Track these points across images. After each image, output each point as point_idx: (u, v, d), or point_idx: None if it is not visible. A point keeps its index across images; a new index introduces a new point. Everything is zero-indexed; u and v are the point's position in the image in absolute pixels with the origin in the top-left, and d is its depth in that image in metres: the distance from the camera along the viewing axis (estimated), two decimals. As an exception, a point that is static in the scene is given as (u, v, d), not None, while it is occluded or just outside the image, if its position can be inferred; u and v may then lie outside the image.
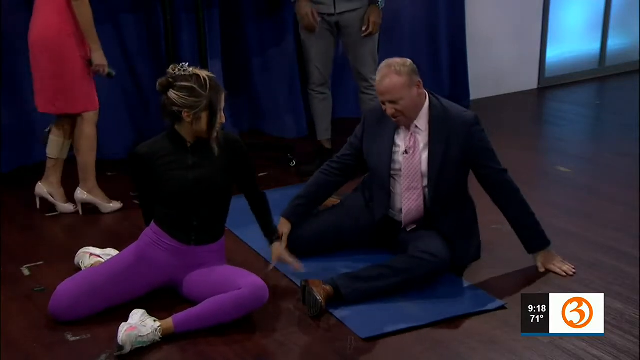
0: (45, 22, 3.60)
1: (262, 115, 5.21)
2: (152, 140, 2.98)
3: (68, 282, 2.91)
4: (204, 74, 2.83)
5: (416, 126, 3.14)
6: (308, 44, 4.33)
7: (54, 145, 3.85)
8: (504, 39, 5.90)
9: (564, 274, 3.19)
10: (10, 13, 4.22)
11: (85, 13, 3.54)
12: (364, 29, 4.22)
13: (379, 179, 3.25)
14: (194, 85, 2.79)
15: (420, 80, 3.11)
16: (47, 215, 3.91)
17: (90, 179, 3.86)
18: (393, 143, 3.19)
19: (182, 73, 2.82)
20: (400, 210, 3.22)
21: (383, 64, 3.12)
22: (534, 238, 3.22)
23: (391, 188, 3.25)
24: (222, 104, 2.87)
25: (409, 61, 3.11)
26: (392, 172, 3.22)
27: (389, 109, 3.09)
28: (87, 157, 3.82)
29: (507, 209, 3.20)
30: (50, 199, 3.91)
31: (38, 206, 3.97)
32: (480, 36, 5.70)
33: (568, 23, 6.37)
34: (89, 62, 3.64)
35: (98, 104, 3.78)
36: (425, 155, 3.14)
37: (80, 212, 3.92)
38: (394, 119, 3.13)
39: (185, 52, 4.68)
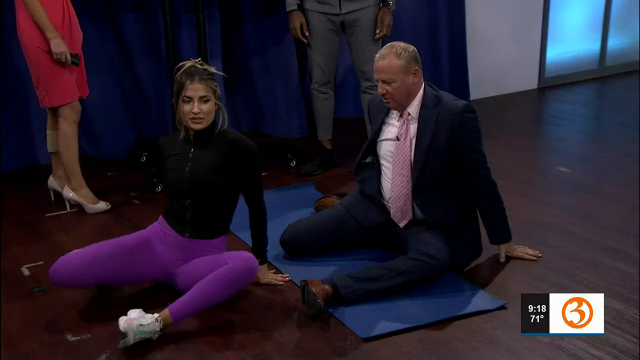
0: (17, 20, 3.63)
1: (262, 115, 5.21)
2: (174, 133, 3.08)
3: (74, 252, 2.96)
4: (189, 62, 2.91)
5: (409, 114, 3.18)
6: (312, 44, 4.34)
7: (49, 140, 3.90)
8: (504, 39, 5.90)
9: (534, 258, 3.29)
10: (10, 13, 4.22)
11: (30, 3, 3.51)
12: (377, 31, 4.25)
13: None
14: (175, 74, 2.92)
15: (419, 69, 3.15)
16: (47, 215, 3.92)
17: (74, 177, 3.88)
18: (380, 129, 3.26)
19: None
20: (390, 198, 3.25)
21: (387, 45, 3.17)
22: (498, 230, 3.28)
23: (384, 176, 3.27)
24: (189, 93, 2.86)
25: (412, 47, 3.15)
26: (381, 159, 3.27)
27: (380, 88, 3.14)
28: (66, 155, 3.82)
29: (478, 199, 3.23)
30: (60, 190, 3.97)
31: (52, 199, 4.04)
32: (480, 36, 5.70)
33: (568, 23, 6.37)
34: (49, 52, 3.59)
35: (74, 98, 3.74)
36: (414, 143, 3.16)
37: (68, 209, 3.94)
38: (384, 100, 3.17)
39: (185, 52, 4.68)
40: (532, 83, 6.24)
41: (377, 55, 3.16)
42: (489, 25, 5.78)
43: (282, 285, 3.13)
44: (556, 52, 6.31)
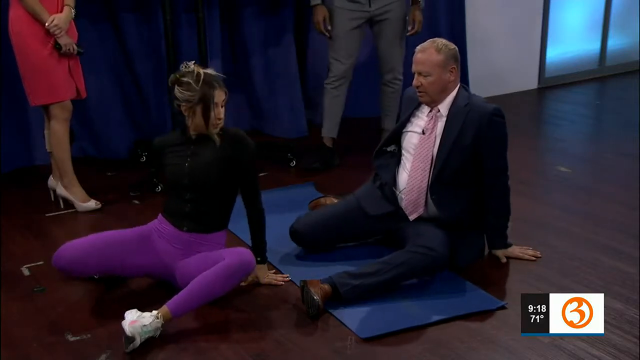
0: (9, 18, 3.63)
1: (262, 115, 5.21)
2: (169, 133, 3.16)
3: (77, 240, 3.02)
4: (201, 69, 2.95)
5: (439, 110, 3.21)
6: (335, 40, 4.39)
7: (47, 139, 3.90)
8: (504, 39, 5.90)
9: (533, 258, 3.30)
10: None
11: (29, 1, 3.52)
12: (409, 28, 4.40)
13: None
14: (190, 80, 2.92)
15: (456, 68, 3.18)
16: (47, 215, 3.92)
17: (66, 175, 3.89)
18: (408, 120, 3.30)
19: (187, 70, 2.96)
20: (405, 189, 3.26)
21: (429, 39, 3.22)
22: (498, 238, 3.32)
23: (402, 166, 3.29)
24: (217, 99, 2.94)
25: (453, 45, 3.20)
26: (403, 150, 3.29)
27: (416, 80, 3.18)
28: (57, 153, 3.83)
29: (489, 203, 3.24)
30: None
31: (52, 198, 4.04)
32: (480, 36, 5.71)
33: (568, 23, 6.37)
34: (57, 47, 3.60)
35: (63, 98, 3.72)
36: (439, 140, 3.19)
37: (62, 206, 3.96)
38: (417, 92, 3.20)
39: (185, 52, 4.68)
40: (532, 83, 6.24)
41: (417, 48, 3.20)
42: (489, 25, 5.78)
43: (282, 285, 3.13)
44: (556, 52, 6.31)
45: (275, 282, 3.13)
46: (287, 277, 3.18)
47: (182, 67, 2.97)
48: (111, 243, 2.99)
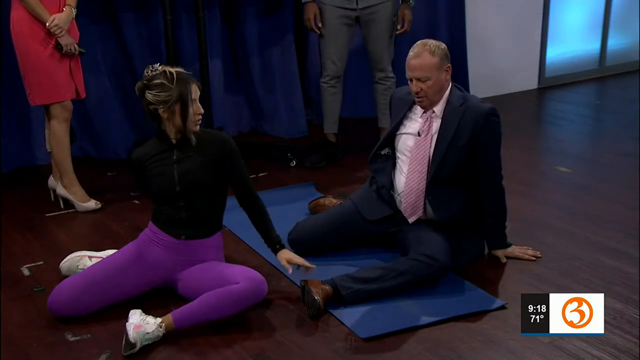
0: (11, 18, 3.63)
1: (262, 115, 5.21)
2: (145, 144, 3.07)
3: (69, 279, 2.94)
4: (170, 69, 2.89)
5: (433, 111, 3.20)
6: (326, 37, 4.42)
7: (47, 139, 3.90)
8: (504, 39, 5.90)
9: (533, 258, 3.30)
10: (9, 12, 4.21)
11: (31, 1, 3.52)
12: (399, 27, 4.42)
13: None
14: (163, 81, 2.85)
15: (450, 66, 3.17)
16: (47, 215, 3.92)
17: (65, 175, 3.89)
18: (401, 122, 3.28)
19: (153, 73, 2.89)
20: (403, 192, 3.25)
21: (419, 42, 3.19)
22: (498, 238, 3.32)
23: (398, 169, 3.28)
24: (194, 95, 2.89)
25: (443, 45, 3.18)
26: (398, 152, 3.28)
27: (415, 86, 3.15)
28: (57, 153, 3.83)
29: (485, 204, 3.23)
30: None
31: (52, 198, 4.04)
32: (480, 36, 5.71)
33: (568, 23, 6.37)
34: (58, 47, 3.61)
35: (63, 98, 3.72)
36: (435, 140, 3.17)
37: (62, 206, 3.96)
38: (417, 98, 3.18)
39: (185, 52, 4.69)
40: (532, 83, 6.24)
41: (410, 54, 3.17)
42: (489, 25, 5.79)
43: (306, 266, 3.01)
44: (556, 52, 6.32)
45: (298, 262, 3.01)
46: (311, 265, 3.05)
47: (148, 72, 2.89)
48: (105, 275, 2.90)
